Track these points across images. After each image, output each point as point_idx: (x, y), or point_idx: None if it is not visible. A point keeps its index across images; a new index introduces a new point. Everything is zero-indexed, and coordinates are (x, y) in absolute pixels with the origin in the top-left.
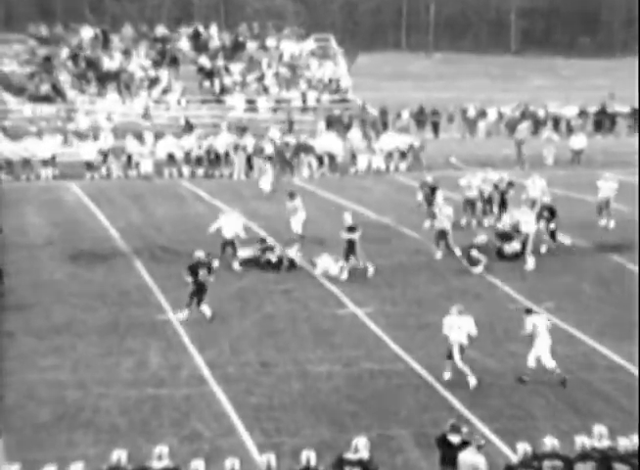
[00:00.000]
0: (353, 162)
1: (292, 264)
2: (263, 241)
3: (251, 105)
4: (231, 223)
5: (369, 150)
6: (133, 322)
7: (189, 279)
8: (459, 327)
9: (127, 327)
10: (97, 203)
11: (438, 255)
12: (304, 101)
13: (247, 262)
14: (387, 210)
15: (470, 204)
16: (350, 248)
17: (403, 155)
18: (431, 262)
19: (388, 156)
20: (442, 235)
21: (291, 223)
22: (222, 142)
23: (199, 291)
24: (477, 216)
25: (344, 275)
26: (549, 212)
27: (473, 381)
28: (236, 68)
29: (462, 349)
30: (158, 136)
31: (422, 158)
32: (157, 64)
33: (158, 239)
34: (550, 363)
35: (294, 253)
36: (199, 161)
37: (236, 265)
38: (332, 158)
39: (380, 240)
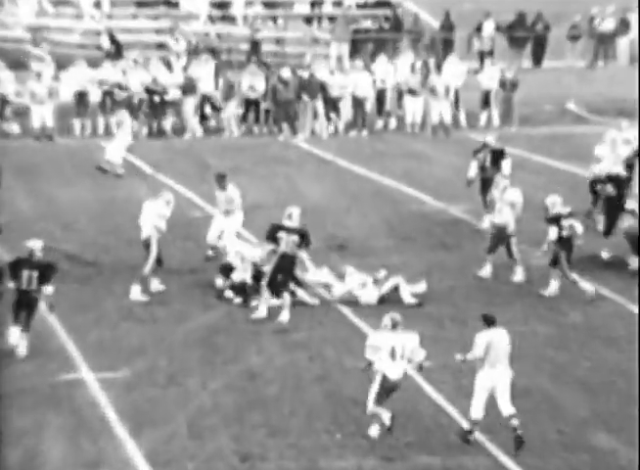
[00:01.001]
0: (395, 109)
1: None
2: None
3: (223, 11)
4: (148, 214)
5: (424, 89)
6: (19, 386)
7: (10, 284)
8: (399, 354)
9: (8, 395)
10: None
11: (485, 270)
12: (313, 5)
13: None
14: (455, 193)
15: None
16: (285, 267)
17: (487, 99)
18: (528, 283)
19: (457, 99)
20: (501, 236)
21: (211, 227)
22: (174, 75)
23: (21, 305)
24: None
25: (370, 298)
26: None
27: (385, 421)
28: None
29: (392, 387)
30: (61, 64)
31: (515, 103)
32: None
33: (64, 242)
34: (507, 408)
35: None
36: (131, 106)
37: (134, 293)
38: (359, 103)
39: (443, 245)
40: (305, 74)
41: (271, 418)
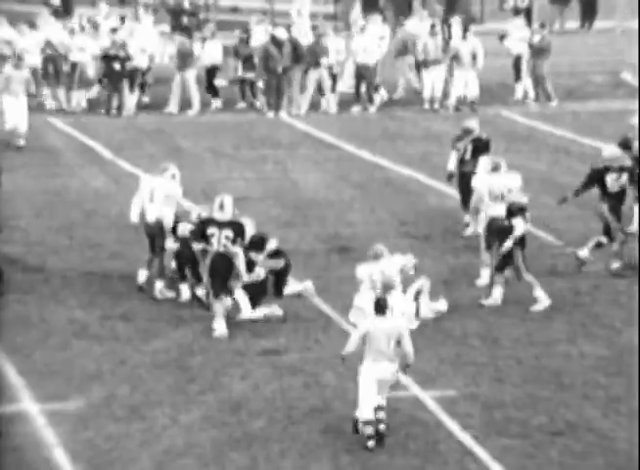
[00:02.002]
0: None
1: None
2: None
3: None
4: (153, 195)
5: (447, 53)
6: None
7: None
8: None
9: None
10: None
11: (482, 280)
12: None
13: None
14: None
15: None
16: (221, 270)
17: (518, 65)
18: (575, 294)
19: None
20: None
21: None
22: (141, 36)
23: None
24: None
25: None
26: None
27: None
28: None
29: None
30: None
31: (544, 73)
32: None
33: (3, 243)
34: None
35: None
36: (68, 76)
37: (160, 290)
38: (362, 71)
39: (469, 247)
40: (306, 39)
41: (258, 459)
